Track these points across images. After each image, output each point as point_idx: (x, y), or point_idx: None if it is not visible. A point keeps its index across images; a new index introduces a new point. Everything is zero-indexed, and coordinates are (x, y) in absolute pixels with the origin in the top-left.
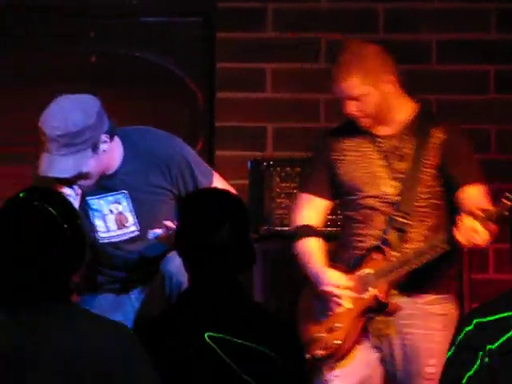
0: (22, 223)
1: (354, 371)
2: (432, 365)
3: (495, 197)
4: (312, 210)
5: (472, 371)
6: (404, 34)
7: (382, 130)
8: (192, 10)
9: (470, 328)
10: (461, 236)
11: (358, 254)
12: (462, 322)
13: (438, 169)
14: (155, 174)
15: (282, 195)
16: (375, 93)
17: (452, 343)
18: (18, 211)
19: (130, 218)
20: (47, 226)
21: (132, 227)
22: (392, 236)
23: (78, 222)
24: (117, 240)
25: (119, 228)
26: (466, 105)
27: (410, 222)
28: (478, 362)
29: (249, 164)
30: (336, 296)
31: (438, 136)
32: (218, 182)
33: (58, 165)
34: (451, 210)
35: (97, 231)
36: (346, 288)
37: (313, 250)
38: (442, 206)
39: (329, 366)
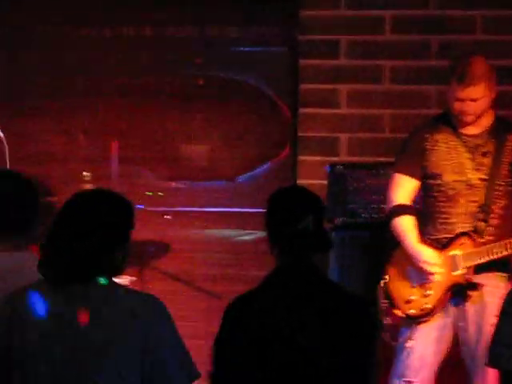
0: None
1: (432, 330)
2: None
3: None
4: (406, 189)
5: None
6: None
7: (468, 130)
8: (280, 42)
9: None
10: None
11: (446, 230)
12: None
13: (510, 165)
14: None
15: (354, 192)
16: (488, 97)
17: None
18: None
19: None
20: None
21: None
22: (478, 224)
23: (124, 214)
24: None
25: None
26: None
27: (492, 212)
28: None
29: (326, 167)
30: (430, 272)
31: None
32: None
33: None
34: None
35: None
36: (439, 266)
37: (408, 226)
38: (510, 195)
39: (416, 323)
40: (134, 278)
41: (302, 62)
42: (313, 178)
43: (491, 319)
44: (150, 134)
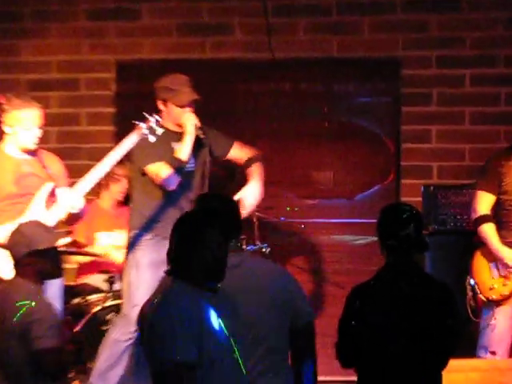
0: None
1: (508, 309)
2: None
3: None
4: (487, 202)
5: None
6: None
7: None
8: (386, 94)
9: None
10: None
11: None
12: None
13: None
14: None
15: (443, 207)
16: None
17: None
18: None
19: None
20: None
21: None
22: None
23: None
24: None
25: None
26: None
27: None
28: None
29: (422, 188)
30: (511, 266)
31: None
32: (239, 147)
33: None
34: None
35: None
36: None
37: (491, 232)
38: None
39: (496, 306)
40: None
41: (404, 108)
42: (412, 197)
43: None
44: (289, 164)
